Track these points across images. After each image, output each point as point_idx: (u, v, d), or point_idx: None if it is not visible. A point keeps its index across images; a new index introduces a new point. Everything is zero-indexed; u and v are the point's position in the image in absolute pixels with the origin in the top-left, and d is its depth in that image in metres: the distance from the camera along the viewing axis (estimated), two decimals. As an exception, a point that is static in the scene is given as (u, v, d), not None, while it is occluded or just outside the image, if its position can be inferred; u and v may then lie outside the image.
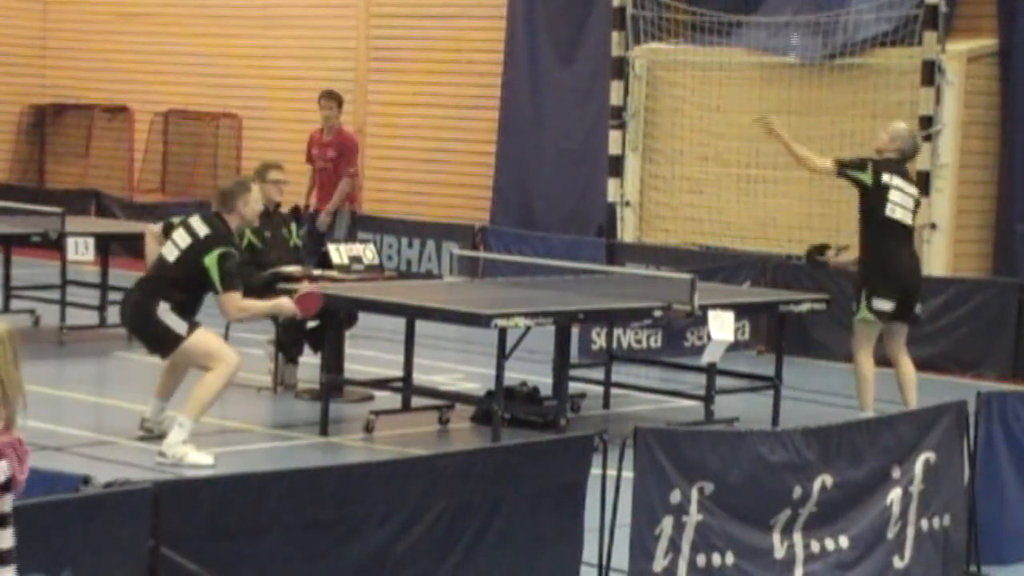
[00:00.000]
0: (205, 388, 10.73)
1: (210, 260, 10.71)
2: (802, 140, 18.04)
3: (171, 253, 10.94)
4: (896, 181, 12.46)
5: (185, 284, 10.83)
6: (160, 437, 10.93)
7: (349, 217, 17.22)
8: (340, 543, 6.27)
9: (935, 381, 14.76)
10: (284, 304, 11.20)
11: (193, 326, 10.79)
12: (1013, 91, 17.64)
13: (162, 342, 10.84)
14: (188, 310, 10.85)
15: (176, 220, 11.34)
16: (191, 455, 10.49)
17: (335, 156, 16.96)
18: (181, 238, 10.95)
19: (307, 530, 6.16)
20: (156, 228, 11.51)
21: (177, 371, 11.29)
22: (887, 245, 12.39)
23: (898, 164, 12.59)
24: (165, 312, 10.72)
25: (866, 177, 12.41)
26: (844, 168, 12.59)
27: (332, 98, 17.15)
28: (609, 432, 7.61)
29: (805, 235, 18.07)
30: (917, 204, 12.72)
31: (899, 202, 12.44)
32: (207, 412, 10.85)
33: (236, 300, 10.81)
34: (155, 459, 10.51)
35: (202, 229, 10.92)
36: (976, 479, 8.61)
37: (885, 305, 12.38)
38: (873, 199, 12.38)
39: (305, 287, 11.55)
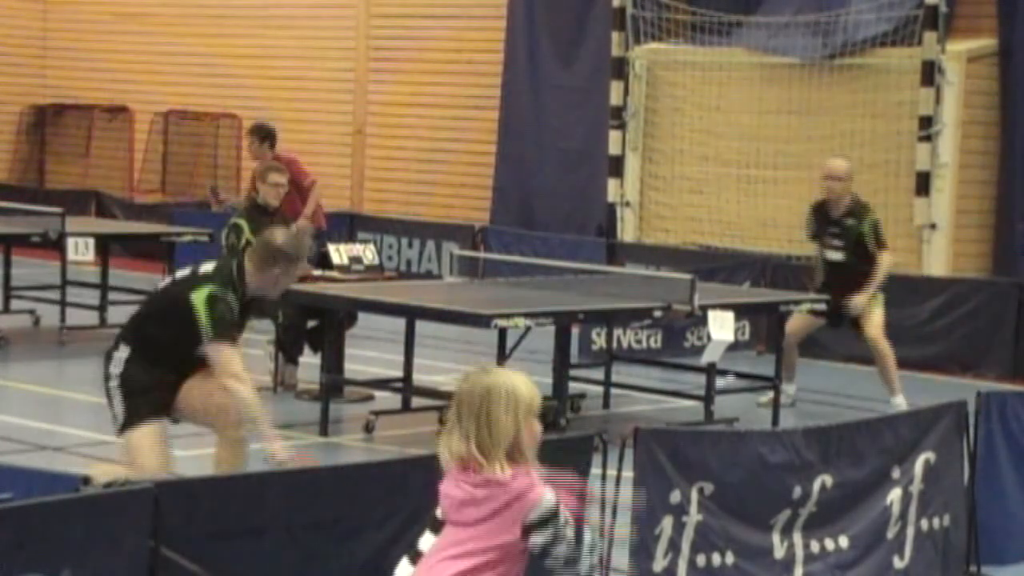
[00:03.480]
0: None
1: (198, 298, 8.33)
2: (802, 140, 18.16)
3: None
4: None
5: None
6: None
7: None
8: (340, 543, 6.27)
9: (935, 381, 14.77)
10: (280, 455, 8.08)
11: (128, 423, 8.37)
12: (1013, 91, 17.64)
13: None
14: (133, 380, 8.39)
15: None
16: None
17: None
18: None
19: (307, 530, 6.16)
20: None
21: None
22: None
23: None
24: (113, 378, 8.38)
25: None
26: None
27: (252, 133, 16.20)
28: (609, 432, 7.60)
29: (805, 235, 18.08)
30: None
31: None
32: None
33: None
34: None
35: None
36: (976, 479, 8.60)
37: None
38: None
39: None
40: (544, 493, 5.13)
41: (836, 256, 13.30)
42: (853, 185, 13.50)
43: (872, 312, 13.16)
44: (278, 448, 8.10)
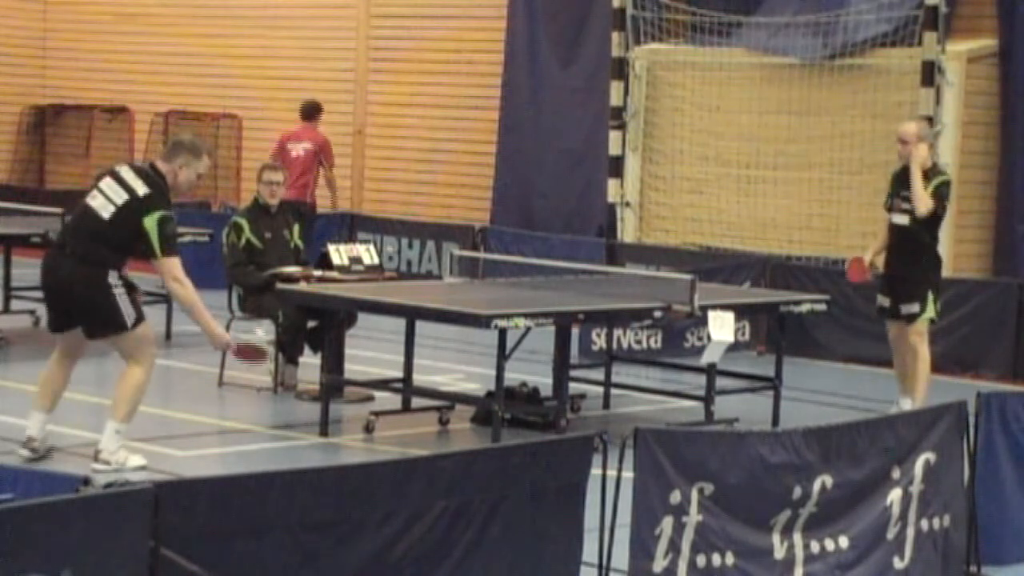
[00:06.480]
0: (133, 388, 10.18)
1: (150, 222, 10.07)
2: (802, 140, 18.17)
3: (104, 208, 10.14)
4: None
5: (120, 245, 10.16)
6: (43, 458, 10.38)
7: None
8: (340, 543, 6.27)
9: (935, 381, 14.72)
10: (219, 335, 10.45)
11: (139, 319, 10.17)
12: (1013, 91, 17.65)
13: (105, 325, 10.13)
14: (129, 283, 10.24)
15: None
16: (132, 459, 10.16)
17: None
18: (114, 192, 10.17)
19: (307, 530, 6.16)
20: None
21: (63, 375, 10.57)
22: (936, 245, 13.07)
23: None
24: (117, 287, 10.07)
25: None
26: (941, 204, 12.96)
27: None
28: (609, 432, 7.60)
29: (805, 235, 18.09)
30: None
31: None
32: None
33: (176, 266, 10.15)
34: (91, 468, 9.83)
35: (140, 186, 10.16)
36: (976, 479, 8.61)
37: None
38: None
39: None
40: None
41: (901, 220, 12.82)
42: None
43: (923, 315, 12.86)
44: (220, 333, 10.44)
